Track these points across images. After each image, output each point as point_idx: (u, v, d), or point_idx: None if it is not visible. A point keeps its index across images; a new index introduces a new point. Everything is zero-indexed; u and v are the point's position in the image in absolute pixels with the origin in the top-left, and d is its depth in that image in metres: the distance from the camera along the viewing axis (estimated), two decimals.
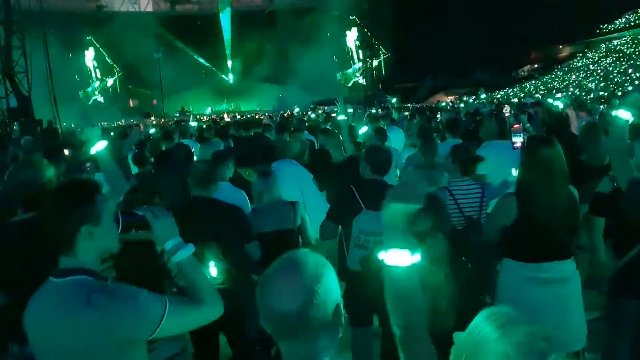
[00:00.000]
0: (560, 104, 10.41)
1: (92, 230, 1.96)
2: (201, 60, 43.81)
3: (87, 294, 1.88)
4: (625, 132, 3.43)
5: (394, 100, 22.67)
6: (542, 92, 34.44)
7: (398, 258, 1.65)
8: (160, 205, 2.68)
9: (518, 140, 4.86)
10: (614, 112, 3.53)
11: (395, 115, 13.74)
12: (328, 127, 9.37)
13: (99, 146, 3.69)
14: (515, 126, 5.17)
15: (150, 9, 40.77)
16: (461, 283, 2.76)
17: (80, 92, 40.32)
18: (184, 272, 2.04)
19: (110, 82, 42.12)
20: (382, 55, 27.30)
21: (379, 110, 18.23)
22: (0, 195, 3.88)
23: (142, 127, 12.92)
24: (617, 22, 41.37)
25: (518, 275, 3.24)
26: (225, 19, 41.25)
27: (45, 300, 1.96)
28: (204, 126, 12.63)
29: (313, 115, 17.64)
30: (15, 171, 3.56)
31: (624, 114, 3.43)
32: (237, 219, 3.67)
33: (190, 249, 2.07)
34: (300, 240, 4.27)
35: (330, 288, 1.42)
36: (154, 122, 24.33)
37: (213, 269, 3.17)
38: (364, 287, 3.14)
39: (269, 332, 1.45)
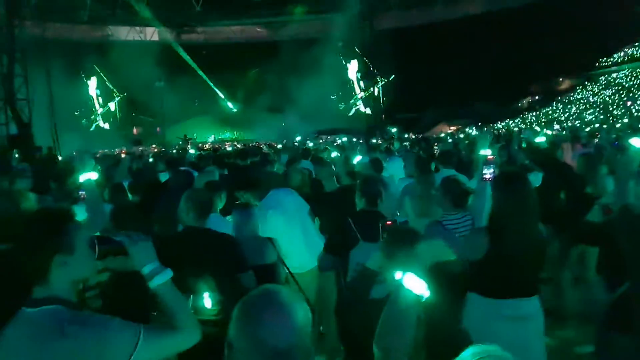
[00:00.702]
0: (542, 139, 10.59)
1: (67, 259, 1.95)
2: (206, 88, 44.25)
3: (60, 323, 1.87)
4: (636, 158, 3.47)
5: (394, 130, 22.82)
6: (542, 123, 34.69)
7: (416, 285, 1.78)
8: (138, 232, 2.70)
9: (488, 172, 4.84)
10: (630, 140, 3.51)
11: (396, 145, 13.85)
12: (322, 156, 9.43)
13: (88, 176, 3.69)
14: (489, 157, 5.16)
15: (155, 38, 41.28)
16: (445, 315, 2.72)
17: (83, 120, 40.68)
18: (161, 298, 2.03)
19: (112, 106, 42.36)
20: (379, 82, 27.42)
21: (379, 141, 18.36)
22: None
23: (124, 152, 12.99)
24: (615, 55, 41.80)
25: (482, 310, 3.22)
26: (228, 49, 41.81)
27: (18, 330, 1.93)
28: (202, 153, 12.67)
29: (311, 144, 17.73)
30: None
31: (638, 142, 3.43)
32: (231, 249, 3.64)
33: (167, 274, 2.05)
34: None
35: (309, 320, 1.48)
36: (155, 150, 24.55)
37: (207, 300, 3.16)
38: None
39: None
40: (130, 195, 6.14)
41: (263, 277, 3.72)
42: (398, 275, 1.81)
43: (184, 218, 3.68)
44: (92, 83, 40.47)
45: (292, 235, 4.95)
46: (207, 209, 3.73)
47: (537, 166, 6.88)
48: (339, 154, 7.87)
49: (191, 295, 3.11)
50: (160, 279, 2.03)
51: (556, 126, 24.25)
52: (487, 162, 5.10)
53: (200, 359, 2.80)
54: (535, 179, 6.26)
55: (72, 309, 1.96)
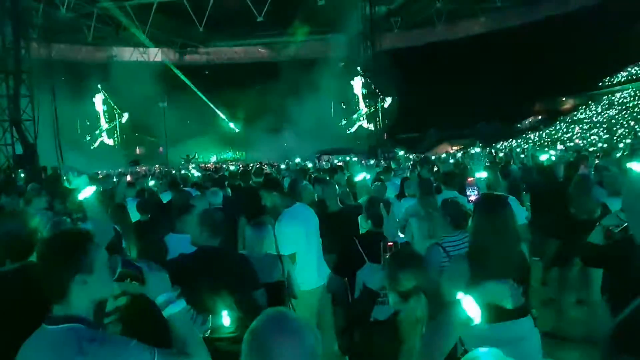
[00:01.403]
0: (545, 157, 10.62)
1: (86, 278, 1.98)
2: (208, 108, 44.52)
3: (79, 341, 1.88)
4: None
5: (401, 152, 22.79)
6: (546, 143, 34.75)
7: (472, 309, 1.91)
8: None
9: (473, 195, 4.81)
10: (629, 164, 3.47)
11: (393, 165, 13.90)
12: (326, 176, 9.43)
13: (86, 192, 3.71)
14: (469, 180, 5.13)
15: (159, 58, 41.59)
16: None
17: (87, 137, 40.92)
18: (174, 326, 2.07)
19: (117, 124, 42.61)
20: (380, 102, 27.55)
21: (382, 161, 18.38)
22: None
23: (129, 176, 13.08)
24: (619, 75, 41.99)
25: (476, 334, 3.19)
26: (231, 69, 42.09)
27: (38, 346, 1.96)
28: (207, 174, 12.70)
29: (310, 165, 17.77)
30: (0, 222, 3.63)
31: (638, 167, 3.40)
32: (245, 267, 3.65)
33: (180, 304, 2.10)
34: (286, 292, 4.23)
35: (319, 344, 1.45)
36: (158, 170, 24.64)
37: (226, 319, 3.14)
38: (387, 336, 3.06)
39: None
40: (139, 215, 6.22)
41: (269, 295, 3.75)
42: (460, 295, 1.86)
43: (197, 238, 3.68)
44: (98, 100, 40.74)
45: (309, 251, 4.99)
46: (220, 229, 3.71)
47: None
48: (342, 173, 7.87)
49: (209, 315, 3.06)
50: (174, 309, 2.07)
51: (560, 146, 24.28)
52: (470, 185, 5.12)
53: None
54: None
55: (90, 328, 1.98)
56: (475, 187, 4.88)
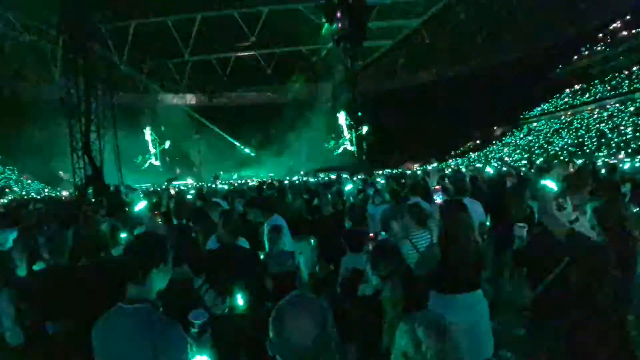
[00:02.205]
0: (491, 170, 10.70)
1: (162, 268, 2.01)
2: (229, 138, 44.62)
3: (150, 319, 1.90)
4: (551, 197, 3.43)
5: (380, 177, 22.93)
6: (482, 161, 34.92)
7: None
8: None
9: (439, 199, 4.82)
10: (542, 182, 3.50)
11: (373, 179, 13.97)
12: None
13: (140, 205, 3.71)
14: (436, 187, 5.14)
15: (193, 102, 41.84)
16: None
17: (139, 158, 40.83)
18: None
19: (160, 149, 42.54)
20: (354, 133, 27.66)
21: (362, 175, 18.38)
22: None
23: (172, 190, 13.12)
24: (535, 110, 42.40)
25: (441, 303, 3.20)
26: (247, 108, 42.28)
27: (116, 321, 1.95)
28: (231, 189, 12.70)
29: (312, 180, 17.72)
30: (77, 228, 3.63)
31: (550, 184, 3.46)
32: (254, 261, 3.64)
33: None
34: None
35: (330, 319, 1.44)
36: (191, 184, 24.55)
37: (240, 300, 3.09)
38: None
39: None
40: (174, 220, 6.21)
41: (284, 281, 3.75)
42: None
43: (223, 237, 3.67)
44: (147, 132, 40.70)
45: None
46: (238, 231, 3.74)
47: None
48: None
49: (227, 297, 3.01)
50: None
51: (494, 163, 24.44)
52: (436, 191, 5.14)
53: (234, 342, 2.78)
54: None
55: (154, 308, 1.96)
56: (441, 193, 4.88)
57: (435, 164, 27.87)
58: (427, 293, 3.21)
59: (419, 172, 19.61)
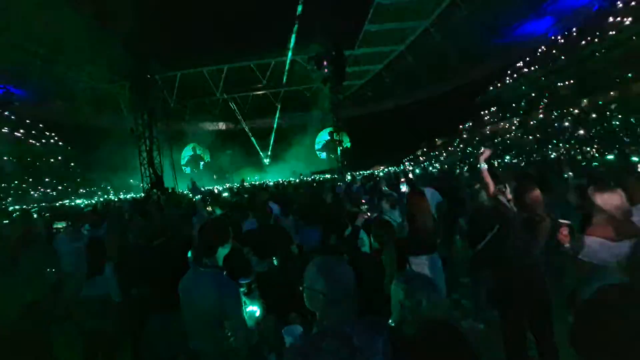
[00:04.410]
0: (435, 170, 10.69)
1: (226, 245, 2.00)
2: (253, 152, 44.37)
3: (219, 281, 1.91)
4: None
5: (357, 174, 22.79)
6: (427, 163, 35.02)
7: None
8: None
9: (404, 188, 4.80)
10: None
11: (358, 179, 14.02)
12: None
13: (198, 198, 3.68)
14: (402, 180, 5.14)
15: (223, 127, 41.62)
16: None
17: (187, 168, 40.45)
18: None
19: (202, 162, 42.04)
20: (339, 148, 27.64)
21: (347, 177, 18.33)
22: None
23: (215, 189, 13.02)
24: (467, 124, 42.29)
25: (412, 261, 3.19)
26: (263, 131, 42.09)
27: (195, 279, 1.95)
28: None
29: (310, 178, 17.59)
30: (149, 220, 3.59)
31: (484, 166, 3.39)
32: (283, 234, 3.59)
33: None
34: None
35: (354, 276, 1.33)
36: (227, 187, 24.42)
37: (272, 262, 3.00)
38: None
39: (313, 307, 1.31)
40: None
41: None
42: None
43: (259, 220, 3.67)
44: (193, 148, 40.60)
45: None
46: (267, 217, 3.73)
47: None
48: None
49: (265, 260, 2.93)
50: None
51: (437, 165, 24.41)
52: (402, 182, 5.17)
53: (275, 292, 2.73)
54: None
55: (222, 272, 1.97)
56: (405, 184, 4.86)
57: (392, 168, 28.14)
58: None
59: (381, 173, 19.60)
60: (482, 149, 3.26)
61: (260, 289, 2.18)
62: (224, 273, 1.98)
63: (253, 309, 1.97)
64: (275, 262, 2.93)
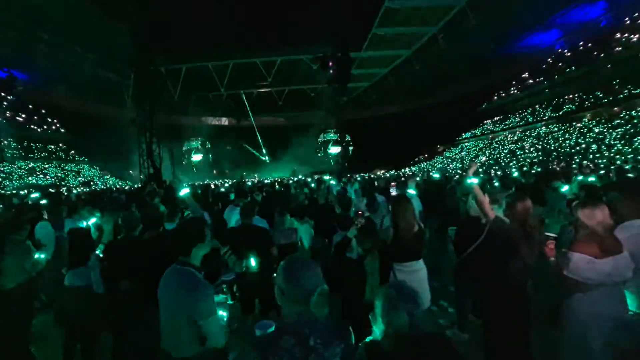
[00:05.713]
0: (437, 175, 10.71)
1: (201, 245, 1.96)
2: (252, 150, 44.38)
3: (194, 276, 1.88)
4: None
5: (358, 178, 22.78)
6: (430, 168, 35.02)
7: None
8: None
9: (394, 192, 4.76)
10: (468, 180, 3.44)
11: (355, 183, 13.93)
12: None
13: (183, 192, 3.60)
14: (392, 184, 5.10)
15: (226, 123, 41.59)
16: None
17: (188, 160, 40.41)
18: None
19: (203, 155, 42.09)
20: (336, 146, 27.63)
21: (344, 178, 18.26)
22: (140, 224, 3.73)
23: (212, 185, 13.02)
24: (468, 133, 42.45)
25: (395, 269, 3.11)
26: (266, 129, 42.09)
27: (172, 277, 1.93)
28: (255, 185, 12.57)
29: (309, 179, 17.56)
30: (144, 211, 3.57)
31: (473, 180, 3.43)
32: (265, 235, 3.56)
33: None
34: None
35: (321, 273, 1.36)
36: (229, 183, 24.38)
37: (253, 261, 2.97)
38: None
39: (280, 301, 1.33)
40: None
41: (287, 250, 3.67)
42: None
43: (243, 219, 3.59)
44: (194, 142, 40.49)
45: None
46: (251, 214, 3.62)
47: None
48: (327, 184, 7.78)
49: (243, 260, 2.88)
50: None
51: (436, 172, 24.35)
52: (392, 186, 5.12)
53: (250, 295, 2.68)
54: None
55: (197, 271, 1.93)
56: (395, 189, 4.85)
57: (393, 171, 28.15)
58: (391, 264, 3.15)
59: (382, 175, 19.59)
60: (469, 163, 3.23)
61: (239, 288, 2.17)
62: (201, 273, 1.96)
63: (222, 314, 1.94)
64: (253, 262, 2.86)
